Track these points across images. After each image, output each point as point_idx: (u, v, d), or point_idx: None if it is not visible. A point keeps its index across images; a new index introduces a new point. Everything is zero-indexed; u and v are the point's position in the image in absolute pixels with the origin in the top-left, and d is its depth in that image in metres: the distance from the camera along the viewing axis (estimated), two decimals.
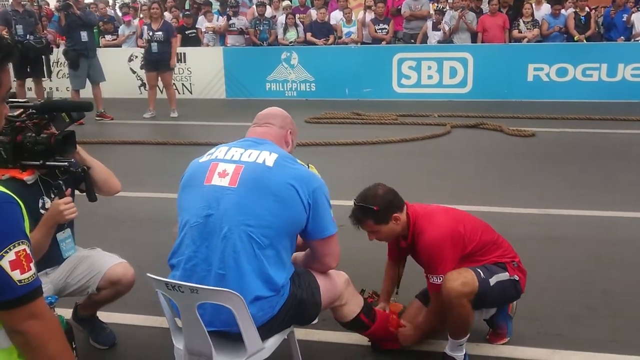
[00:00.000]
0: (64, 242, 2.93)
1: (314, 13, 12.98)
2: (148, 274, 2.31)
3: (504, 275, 2.93)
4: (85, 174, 2.77)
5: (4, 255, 1.41)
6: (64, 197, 2.65)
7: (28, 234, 1.51)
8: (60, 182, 2.70)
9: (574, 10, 11.84)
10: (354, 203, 2.92)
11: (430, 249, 2.84)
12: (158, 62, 10.22)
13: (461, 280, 2.78)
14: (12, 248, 1.43)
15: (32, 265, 1.47)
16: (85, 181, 2.79)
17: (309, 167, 3.36)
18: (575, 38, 11.54)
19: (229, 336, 2.34)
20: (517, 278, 2.97)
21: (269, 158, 2.36)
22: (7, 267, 1.42)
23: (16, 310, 1.45)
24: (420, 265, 3.01)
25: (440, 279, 2.82)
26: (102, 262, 2.96)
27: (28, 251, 1.47)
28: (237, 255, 2.27)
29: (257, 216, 2.27)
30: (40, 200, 2.75)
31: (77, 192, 2.86)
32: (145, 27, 10.27)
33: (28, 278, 1.45)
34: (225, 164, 2.38)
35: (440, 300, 2.84)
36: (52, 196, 2.73)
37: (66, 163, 2.54)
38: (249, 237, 2.27)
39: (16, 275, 1.43)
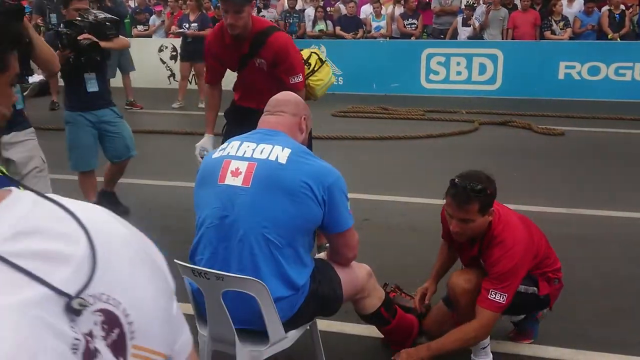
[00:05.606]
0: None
1: (342, 7, 12.95)
2: (175, 260, 2.33)
3: (531, 289, 2.83)
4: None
5: None
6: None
7: None
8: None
9: (608, 8, 11.61)
10: (459, 183, 2.53)
11: (507, 262, 2.58)
12: (194, 53, 10.30)
13: (464, 276, 2.75)
14: None
15: None
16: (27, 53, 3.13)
17: (316, 54, 3.12)
18: (610, 36, 11.32)
19: (249, 332, 2.36)
20: (542, 296, 2.86)
21: (281, 154, 2.29)
22: None
23: None
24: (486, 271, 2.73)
25: (503, 299, 2.57)
26: None
27: None
28: (255, 257, 2.26)
29: (272, 217, 2.25)
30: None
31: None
32: (183, 20, 10.34)
33: None
34: (238, 161, 2.33)
35: (478, 321, 2.61)
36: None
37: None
38: (265, 238, 2.25)
39: None
